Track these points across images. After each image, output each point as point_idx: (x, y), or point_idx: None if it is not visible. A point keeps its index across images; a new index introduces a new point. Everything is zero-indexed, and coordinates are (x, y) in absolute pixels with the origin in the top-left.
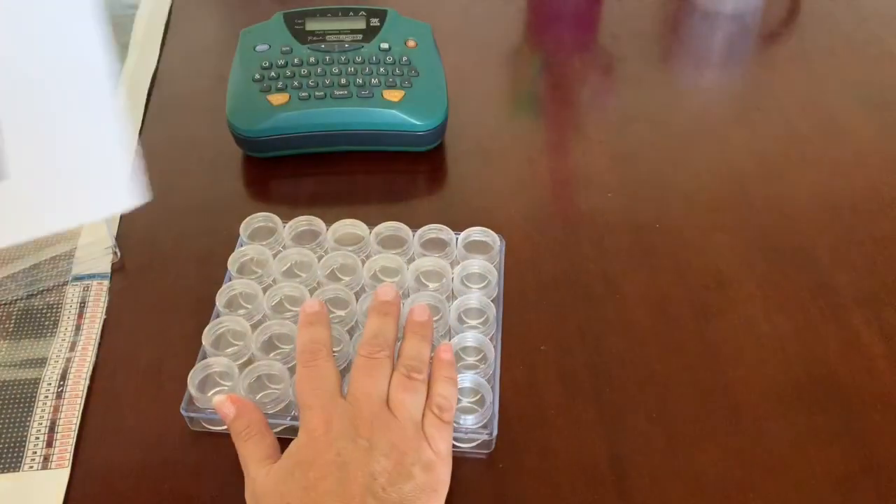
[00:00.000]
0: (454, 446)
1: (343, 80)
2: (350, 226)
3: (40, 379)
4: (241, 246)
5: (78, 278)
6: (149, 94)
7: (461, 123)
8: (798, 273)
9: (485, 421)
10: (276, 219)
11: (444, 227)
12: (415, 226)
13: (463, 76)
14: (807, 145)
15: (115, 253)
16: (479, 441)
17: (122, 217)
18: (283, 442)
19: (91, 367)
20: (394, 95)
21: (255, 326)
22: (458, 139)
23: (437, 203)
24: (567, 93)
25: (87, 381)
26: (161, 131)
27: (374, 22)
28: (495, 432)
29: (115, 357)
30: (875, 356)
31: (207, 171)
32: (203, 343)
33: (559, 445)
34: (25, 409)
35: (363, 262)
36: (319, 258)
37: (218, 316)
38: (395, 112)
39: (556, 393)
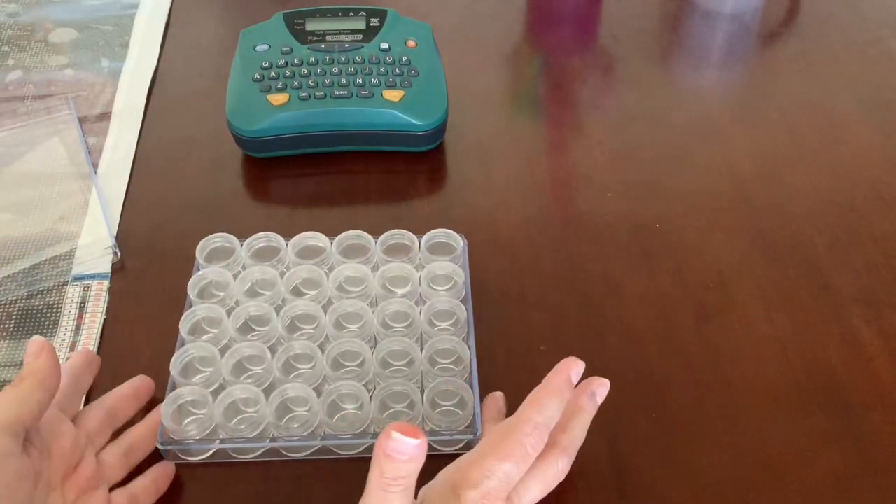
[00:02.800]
0: (437, 450)
1: (343, 81)
2: (310, 238)
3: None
4: (199, 270)
5: (78, 278)
6: (149, 94)
7: (461, 123)
8: (798, 273)
9: (468, 422)
10: (233, 238)
11: (406, 231)
12: (417, 227)
13: (463, 76)
14: (806, 145)
15: (115, 253)
16: (464, 442)
17: (122, 217)
18: (263, 466)
19: None
20: (394, 95)
21: (223, 351)
22: (458, 139)
23: (437, 203)
24: (567, 93)
25: None
26: (161, 131)
27: (374, 22)
28: (479, 433)
29: (115, 357)
30: (875, 356)
31: (207, 170)
32: (171, 373)
33: None
34: None
35: (327, 275)
36: (282, 274)
37: (183, 344)
38: (394, 112)
39: None
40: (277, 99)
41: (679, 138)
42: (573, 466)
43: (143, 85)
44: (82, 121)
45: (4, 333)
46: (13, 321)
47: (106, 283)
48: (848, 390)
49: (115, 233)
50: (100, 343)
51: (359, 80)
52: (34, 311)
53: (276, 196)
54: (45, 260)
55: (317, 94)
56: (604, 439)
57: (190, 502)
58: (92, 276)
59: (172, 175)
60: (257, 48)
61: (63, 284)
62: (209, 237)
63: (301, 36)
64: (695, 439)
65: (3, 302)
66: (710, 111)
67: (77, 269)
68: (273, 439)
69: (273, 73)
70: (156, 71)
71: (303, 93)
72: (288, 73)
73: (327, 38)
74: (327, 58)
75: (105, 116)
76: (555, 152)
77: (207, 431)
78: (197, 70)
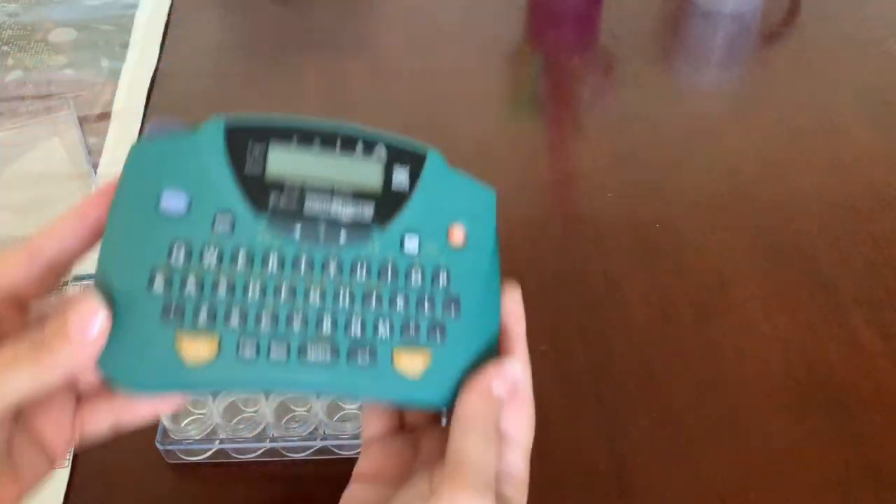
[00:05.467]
0: None
1: (326, 324)
2: None
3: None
4: None
5: (78, 278)
6: (149, 94)
7: (461, 123)
8: (798, 273)
9: None
10: None
11: None
12: None
13: (463, 76)
14: (807, 145)
15: None
16: None
17: None
18: (263, 466)
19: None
20: (412, 362)
21: None
22: (458, 139)
23: None
24: (567, 93)
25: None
26: None
27: (400, 175)
28: None
29: None
30: (875, 356)
31: None
32: None
33: (560, 446)
34: None
35: None
36: None
37: None
38: (409, 393)
39: (557, 393)
40: (195, 347)
41: (679, 138)
42: (574, 466)
43: (143, 85)
44: (82, 121)
45: None
46: None
47: None
48: (848, 390)
49: None
50: None
51: (354, 328)
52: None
53: None
54: None
55: (275, 346)
56: (604, 439)
57: (190, 502)
58: (91, 276)
59: None
60: (163, 203)
61: (63, 284)
62: None
63: (256, 187)
64: (695, 439)
65: None
66: (711, 111)
67: (77, 269)
68: (273, 439)
69: (192, 286)
70: (156, 71)
71: (246, 339)
72: (223, 286)
73: (307, 202)
74: (303, 259)
75: (105, 116)
76: (555, 152)
77: (207, 431)
78: (197, 70)
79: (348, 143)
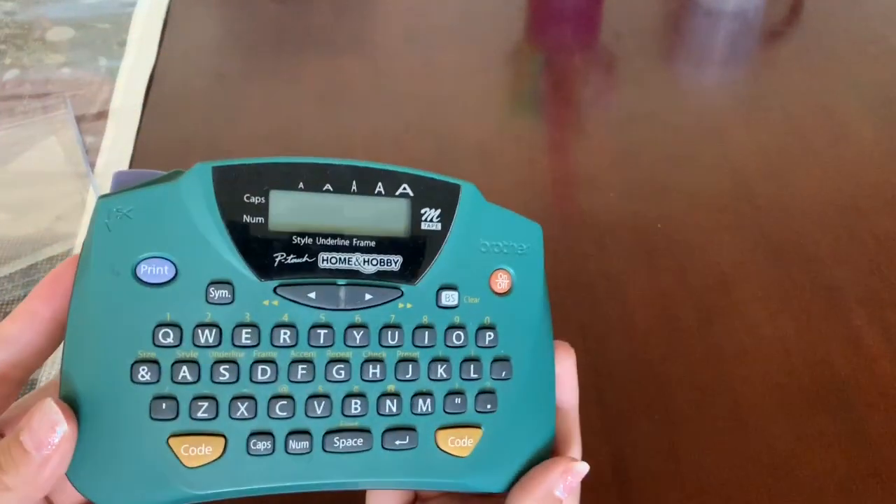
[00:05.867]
0: None
1: (354, 404)
2: None
3: (37, 380)
4: None
5: None
6: (147, 93)
7: (461, 123)
8: (801, 273)
9: None
10: None
11: None
12: None
13: (463, 75)
14: (809, 144)
15: None
16: None
17: None
18: None
19: None
20: (460, 440)
21: None
22: (459, 139)
23: None
24: (568, 92)
25: None
26: (159, 130)
27: (430, 216)
28: None
29: None
30: (878, 357)
31: None
32: None
33: None
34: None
35: None
36: None
37: None
38: (457, 478)
39: None
40: (196, 451)
41: (681, 137)
42: None
43: (141, 84)
44: (79, 120)
45: None
46: None
47: None
48: (851, 391)
49: None
50: None
51: (388, 403)
52: None
53: None
54: (42, 260)
55: (293, 442)
56: (605, 441)
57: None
58: None
59: None
60: (141, 273)
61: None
62: None
63: (256, 247)
64: (697, 441)
65: (1, 303)
66: (713, 110)
67: None
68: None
69: (186, 373)
70: (154, 69)
71: (257, 437)
72: (225, 371)
73: (321, 258)
74: (322, 332)
75: (102, 115)
76: (556, 152)
77: None
78: (195, 69)
79: (365, 182)
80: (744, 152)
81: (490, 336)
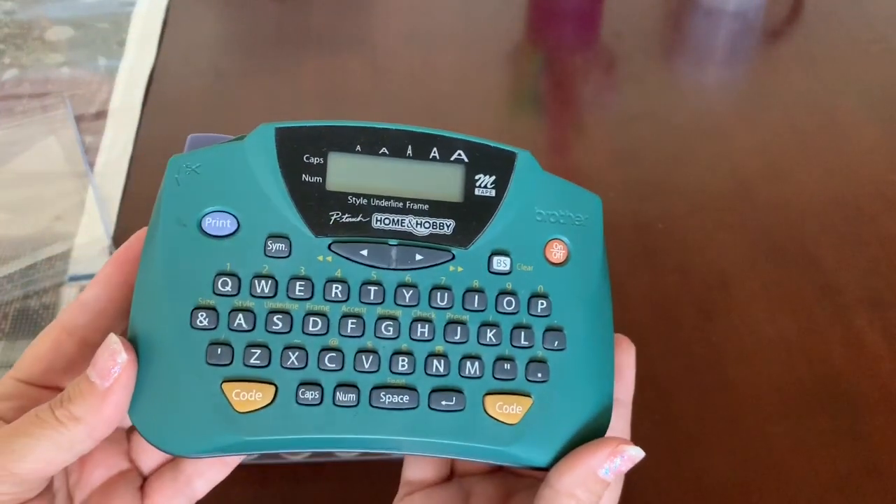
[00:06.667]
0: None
1: (402, 362)
2: None
3: None
4: None
5: (74, 278)
6: (146, 93)
7: (461, 122)
8: (802, 273)
9: None
10: None
11: None
12: None
13: (463, 74)
14: (810, 144)
15: (111, 253)
16: None
17: (119, 217)
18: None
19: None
20: (508, 411)
21: None
22: None
23: None
24: (568, 91)
25: None
26: (158, 130)
27: (485, 182)
28: None
29: None
30: (879, 357)
31: None
32: None
33: None
34: None
35: None
36: None
37: None
38: (504, 446)
39: None
40: (247, 397)
41: (682, 137)
42: None
43: (140, 83)
44: (79, 119)
45: (0, 335)
46: (9, 322)
47: None
48: (852, 391)
49: (111, 232)
50: None
51: (436, 364)
52: (30, 312)
53: None
54: (42, 260)
55: (341, 394)
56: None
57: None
58: (89, 277)
59: None
60: (206, 225)
61: (59, 285)
62: None
63: (314, 205)
64: (698, 441)
65: (1, 303)
66: (714, 109)
67: (74, 269)
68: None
69: (242, 321)
70: (153, 69)
71: (306, 387)
72: (278, 321)
73: (375, 218)
74: (372, 288)
75: (102, 115)
76: (556, 151)
77: None
78: (195, 68)
79: (421, 147)
80: (744, 152)
81: (542, 304)
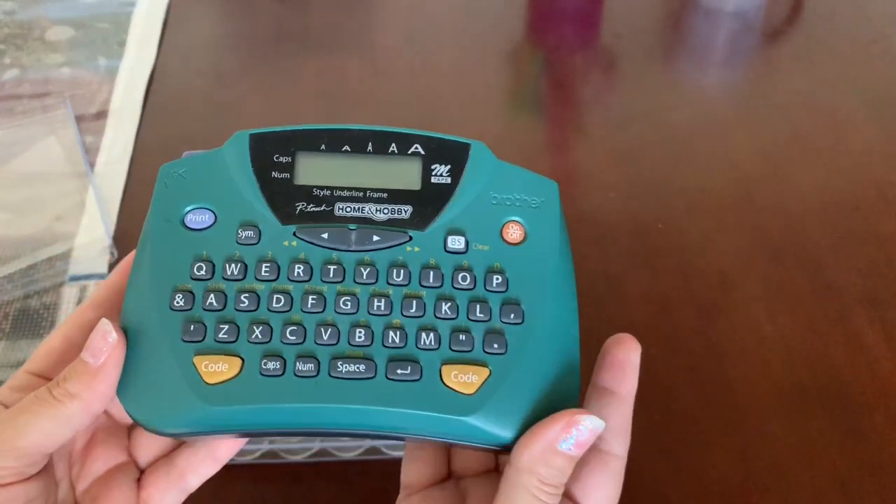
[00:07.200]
0: None
1: (360, 334)
2: None
3: None
4: None
5: (75, 278)
6: (146, 93)
7: (461, 122)
8: (802, 273)
9: None
10: None
11: None
12: None
13: (463, 74)
14: (810, 144)
15: (112, 253)
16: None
17: (119, 217)
18: (261, 469)
19: None
20: (465, 380)
21: None
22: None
23: None
24: (568, 91)
25: None
26: (158, 130)
27: (440, 173)
28: None
29: None
30: (879, 357)
31: None
32: None
33: None
34: None
35: None
36: None
37: None
38: (462, 420)
39: None
40: (215, 368)
41: (681, 137)
42: None
43: (141, 83)
44: (79, 119)
45: (1, 335)
46: (10, 322)
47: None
48: (851, 391)
49: (112, 232)
50: None
51: (392, 336)
52: (31, 312)
53: None
54: (42, 260)
55: (301, 364)
56: None
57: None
58: (89, 277)
59: None
60: (188, 218)
61: (60, 285)
62: None
63: (281, 198)
64: (697, 441)
65: (0, 302)
66: (713, 110)
67: (74, 269)
68: (271, 441)
69: (212, 300)
70: (153, 69)
71: (269, 359)
72: (245, 299)
73: (337, 206)
74: (331, 267)
75: (102, 115)
76: (556, 151)
77: None
78: (195, 68)
79: (381, 144)
80: (744, 152)
81: (498, 279)
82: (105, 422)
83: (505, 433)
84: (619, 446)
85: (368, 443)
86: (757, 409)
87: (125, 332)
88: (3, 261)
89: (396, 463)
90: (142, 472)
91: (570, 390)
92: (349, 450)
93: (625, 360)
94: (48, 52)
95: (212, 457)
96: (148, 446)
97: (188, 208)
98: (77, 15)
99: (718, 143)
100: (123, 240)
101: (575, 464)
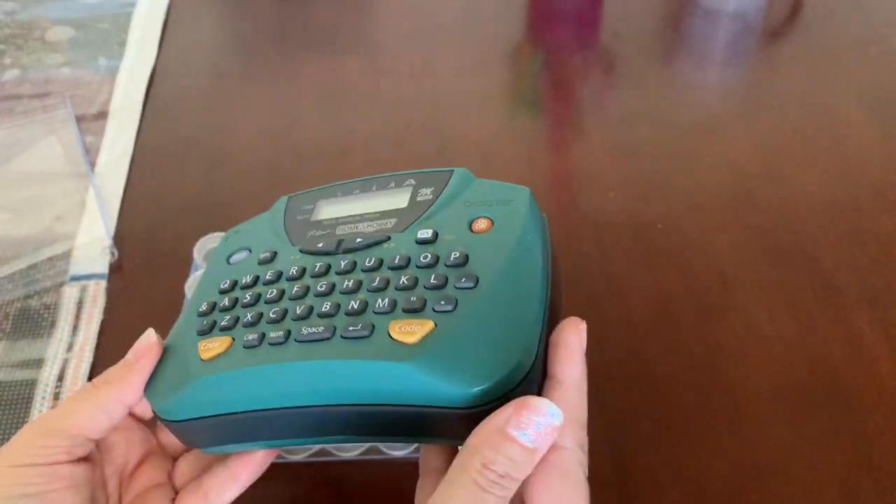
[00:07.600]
0: None
1: (325, 306)
2: None
3: (37, 380)
4: (196, 270)
5: (75, 278)
6: (147, 93)
7: (461, 122)
8: (801, 273)
9: None
10: None
11: None
12: None
13: (463, 74)
14: (810, 144)
15: (112, 253)
16: None
17: (119, 217)
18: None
19: (89, 368)
20: (407, 330)
21: None
22: (459, 138)
23: None
24: (568, 91)
25: (85, 382)
26: (159, 130)
27: (424, 194)
28: None
29: (112, 358)
30: (878, 357)
31: (205, 170)
32: None
33: None
34: (23, 411)
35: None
36: None
37: None
38: (403, 366)
39: None
40: (210, 346)
41: (681, 137)
42: None
43: (141, 83)
44: (79, 119)
45: (1, 334)
46: (10, 322)
47: (103, 283)
48: (851, 391)
49: (112, 232)
50: (97, 344)
51: (353, 303)
52: (31, 312)
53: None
54: (43, 260)
55: (273, 333)
56: (605, 442)
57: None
58: (89, 277)
59: (170, 174)
60: (233, 258)
61: (60, 285)
62: (207, 237)
63: (298, 230)
64: (697, 441)
65: (1, 302)
66: (713, 110)
67: (74, 269)
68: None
69: (226, 301)
70: (154, 69)
71: (250, 333)
72: (247, 298)
73: (339, 229)
74: (317, 265)
75: (102, 115)
76: (556, 151)
77: None
78: (195, 68)
79: (382, 183)
80: (744, 152)
81: (459, 258)
82: (154, 448)
83: (452, 388)
84: (568, 438)
85: (368, 443)
86: (757, 409)
87: (168, 346)
88: (4, 261)
89: (396, 463)
90: (176, 493)
91: (526, 353)
92: (349, 450)
93: (565, 344)
94: (48, 52)
95: (232, 479)
96: (185, 472)
97: (233, 251)
98: (77, 15)
99: (718, 142)
100: (124, 239)
101: (534, 461)
